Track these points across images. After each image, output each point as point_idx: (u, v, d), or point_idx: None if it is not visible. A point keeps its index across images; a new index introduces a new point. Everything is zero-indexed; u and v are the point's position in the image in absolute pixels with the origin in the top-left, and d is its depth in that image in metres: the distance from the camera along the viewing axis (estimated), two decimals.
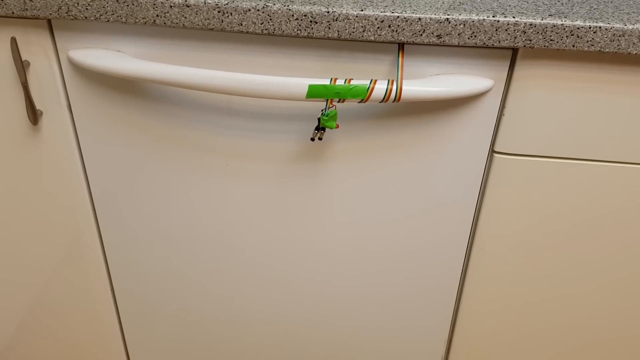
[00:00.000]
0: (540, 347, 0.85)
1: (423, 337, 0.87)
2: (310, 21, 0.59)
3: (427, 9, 0.58)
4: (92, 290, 0.87)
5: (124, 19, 0.61)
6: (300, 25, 0.59)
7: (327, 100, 0.61)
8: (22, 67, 0.66)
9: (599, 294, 0.79)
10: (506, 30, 0.58)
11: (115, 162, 0.74)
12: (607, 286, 0.78)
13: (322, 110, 0.65)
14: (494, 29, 0.58)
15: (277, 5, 0.58)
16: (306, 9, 0.58)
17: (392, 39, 0.59)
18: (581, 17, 0.58)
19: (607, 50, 0.58)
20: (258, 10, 0.58)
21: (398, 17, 0.58)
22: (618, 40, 0.57)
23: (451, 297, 0.82)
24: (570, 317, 0.81)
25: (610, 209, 0.71)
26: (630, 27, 0.57)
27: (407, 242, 0.77)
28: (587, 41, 0.58)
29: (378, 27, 0.58)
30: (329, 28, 0.59)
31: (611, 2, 0.62)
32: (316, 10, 0.58)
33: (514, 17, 0.57)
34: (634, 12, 0.59)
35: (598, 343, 0.84)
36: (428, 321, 0.85)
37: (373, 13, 0.58)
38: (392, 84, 0.60)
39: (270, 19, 0.59)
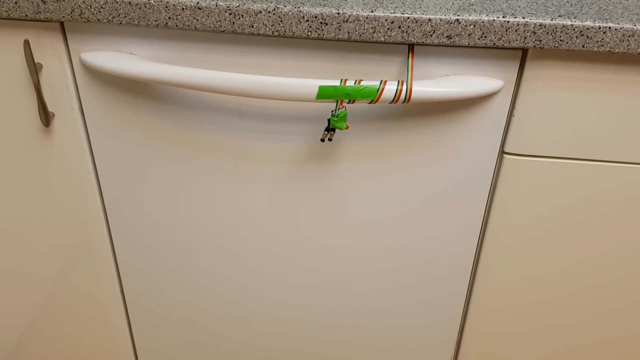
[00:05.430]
0: (552, 347, 0.85)
1: (432, 337, 0.86)
2: (321, 23, 0.59)
3: (437, 10, 0.59)
4: (102, 293, 0.87)
5: (136, 22, 0.61)
6: (310, 26, 0.59)
7: (337, 101, 0.61)
8: (34, 69, 0.67)
9: (611, 293, 0.78)
10: (516, 30, 0.58)
11: (126, 164, 0.74)
12: (620, 284, 0.77)
13: (332, 111, 0.65)
14: (504, 30, 0.58)
15: (288, 7, 0.59)
16: (317, 10, 0.58)
17: (402, 40, 0.59)
18: (591, 17, 0.58)
19: (616, 50, 0.58)
20: (269, 12, 0.59)
21: (408, 18, 0.58)
22: (628, 40, 0.58)
23: (461, 297, 0.81)
24: (582, 316, 0.81)
25: (622, 209, 0.71)
26: None
27: (417, 243, 0.77)
28: (597, 41, 0.58)
29: (388, 28, 0.59)
30: (339, 29, 0.59)
31: (620, 3, 0.62)
32: (326, 12, 0.58)
33: (523, 17, 0.58)
34: None
35: (612, 341, 0.83)
36: (437, 320, 0.84)
37: (383, 14, 0.58)
38: (402, 84, 0.60)
39: (281, 21, 0.59)
